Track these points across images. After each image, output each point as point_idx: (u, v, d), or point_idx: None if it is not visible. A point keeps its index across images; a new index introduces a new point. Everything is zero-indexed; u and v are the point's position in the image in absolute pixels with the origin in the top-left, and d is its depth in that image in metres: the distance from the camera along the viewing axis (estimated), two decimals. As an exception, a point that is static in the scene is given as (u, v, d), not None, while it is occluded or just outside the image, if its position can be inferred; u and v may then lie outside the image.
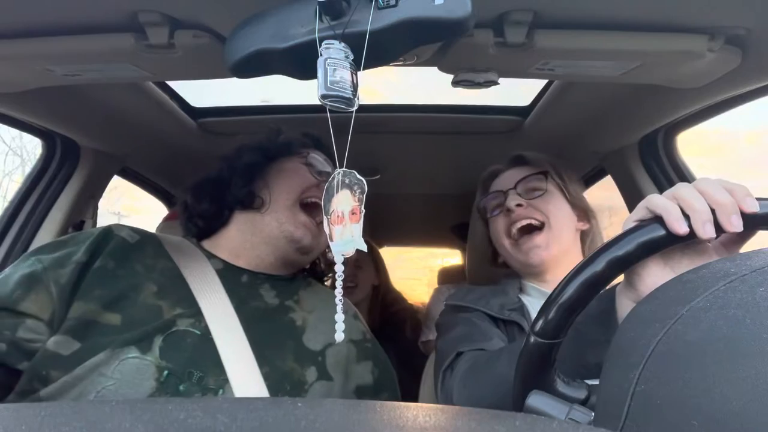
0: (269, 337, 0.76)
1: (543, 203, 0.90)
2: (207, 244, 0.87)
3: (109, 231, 0.78)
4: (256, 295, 0.81)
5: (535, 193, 0.92)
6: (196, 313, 0.73)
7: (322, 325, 0.83)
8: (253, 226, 0.85)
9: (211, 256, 0.83)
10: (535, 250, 0.87)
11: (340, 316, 0.53)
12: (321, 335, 0.82)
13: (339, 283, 0.52)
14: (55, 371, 0.64)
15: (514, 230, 0.90)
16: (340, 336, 0.53)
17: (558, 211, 0.90)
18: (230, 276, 0.81)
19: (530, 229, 0.89)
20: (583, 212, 0.94)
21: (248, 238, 0.85)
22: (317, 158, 0.91)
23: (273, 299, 0.82)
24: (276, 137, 0.95)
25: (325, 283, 1.02)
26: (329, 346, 0.81)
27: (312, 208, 0.85)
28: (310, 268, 0.98)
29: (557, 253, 0.88)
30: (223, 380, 0.68)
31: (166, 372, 0.66)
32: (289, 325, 0.81)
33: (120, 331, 0.68)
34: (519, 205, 0.90)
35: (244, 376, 0.69)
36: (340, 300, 0.53)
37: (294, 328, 0.81)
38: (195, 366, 0.68)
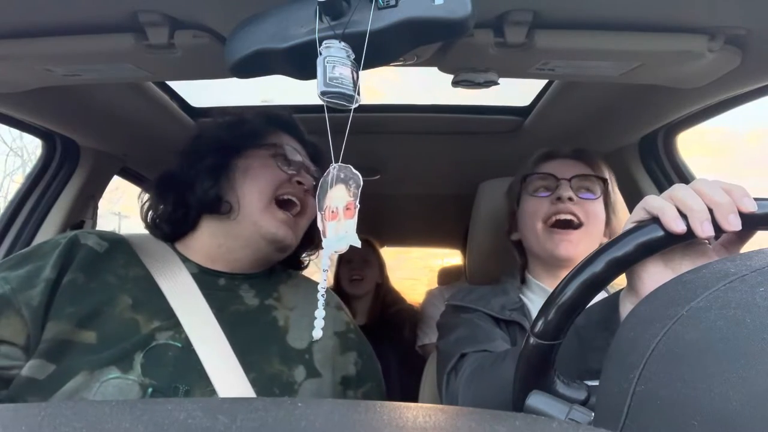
0: (253, 340, 0.74)
1: (591, 206, 0.91)
2: (180, 246, 0.82)
3: (75, 240, 0.74)
4: (235, 297, 0.79)
5: (586, 194, 0.92)
6: (175, 325, 0.70)
7: (306, 321, 0.81)
8: (228, 231, 0.79)
9: (185, 260, 0.79)
10: (566, 243, 0.88)
11: (320, 312, 0.52)
12: (305, 332, 0.80)
13: (323, 277, 0.51)
14: (32, 398, 0.62)
15: (553, 219, 0.90)
16: (318, 333, 0.52)
17: (599, 218, 0.91)
18: (207, 280, 0.77)
19: (568, 224, 0.90)
20: (611, 228, 0.95)
21: (223, 243, 0.80)
22: (288, 148, 0.84)
23: (252, 299, 0.80)
24: (239, 127, 0.86)
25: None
26: (315, 341, 0.79)
27: (286, 204, 0.80)
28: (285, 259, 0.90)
29: (582, 253, 0.88)
30: (210, 391, 0.67)
31: (150, 389, 0.64)
32: (272, 325, 0.79)
33: (96, 349, 0.65)
34: (570, 199, 0.90)
35: (231, 384, 0.68)
36: (322, 295, 0.52)
37: (277, 328, 0.79)
38: (180, 380, 0.66)
